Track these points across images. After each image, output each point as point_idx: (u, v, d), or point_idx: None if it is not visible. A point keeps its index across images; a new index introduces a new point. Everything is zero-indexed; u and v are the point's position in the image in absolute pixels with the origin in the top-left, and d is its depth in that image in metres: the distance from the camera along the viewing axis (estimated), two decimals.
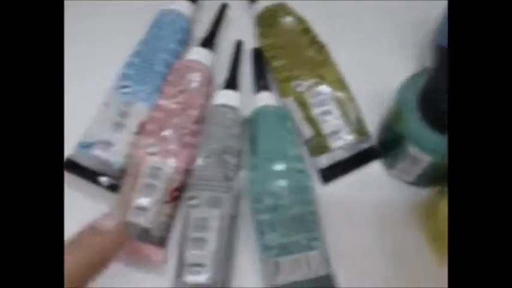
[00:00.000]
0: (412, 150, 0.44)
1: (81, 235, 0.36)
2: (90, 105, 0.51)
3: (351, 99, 0.51)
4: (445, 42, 0.46)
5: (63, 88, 0.36)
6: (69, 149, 0.49)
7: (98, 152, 0.48)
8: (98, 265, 0.36)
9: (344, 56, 0.53)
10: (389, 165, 0.50)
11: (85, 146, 0.49)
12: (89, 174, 0.48)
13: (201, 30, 0.55)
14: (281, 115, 0.49)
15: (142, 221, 0.46)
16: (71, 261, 0.33)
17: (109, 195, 0.48)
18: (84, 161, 0.48)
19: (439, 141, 0.42)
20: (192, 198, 0.46)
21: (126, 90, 0.50)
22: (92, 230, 0.37)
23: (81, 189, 0.48)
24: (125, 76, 0.51)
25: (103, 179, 0.48)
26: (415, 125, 0.43)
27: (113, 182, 0.48)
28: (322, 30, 0.54)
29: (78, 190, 0.49)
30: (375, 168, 0.51)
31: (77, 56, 0.54)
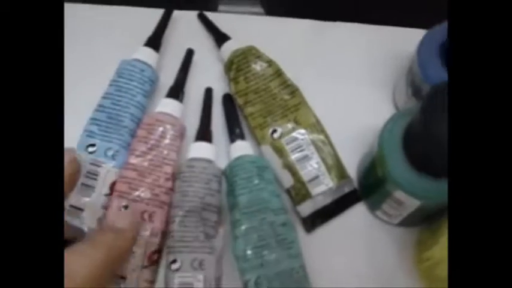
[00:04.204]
0: (398, 194, 0.43)
1: (95, 234, 0.36)
2: None
3: (329, 142, 0.50)
4: (432, 79, 0.45)
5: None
6: None
7: (68, 219, 0.45)
8: (113, 263, 0.35)
9: (316, 97, 0.52)
10: (373, 207, 0.48)
11: None
12: None
13: (163, 78, 0.53)
14: (260, 165, 0.46)
15: None
16: (86, 261, 0.32)
17: None
18: None
19: (427, 185, 0.41)
20: (173, 261, 0.43)
21: (92, 149, 0.47)
22: (106, 227, 0.36)
23: None
24: (89, 133, 0.48)
25: None
26: (399, 168, 0.42)
27: None
28: (293, 72, 0.52)
29: None
30: (359, 211, 0.50)
31: None
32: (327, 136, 0.50)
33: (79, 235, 0.44)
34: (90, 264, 0.32)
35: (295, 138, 0.49)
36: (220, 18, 0.57)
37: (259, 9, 0.85)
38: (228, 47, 0.53)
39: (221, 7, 0.89)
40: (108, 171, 0.47)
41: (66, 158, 0.38)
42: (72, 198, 0.45)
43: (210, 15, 0.58)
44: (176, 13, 0.56)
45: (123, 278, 0.43)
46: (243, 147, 0.48)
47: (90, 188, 0.46)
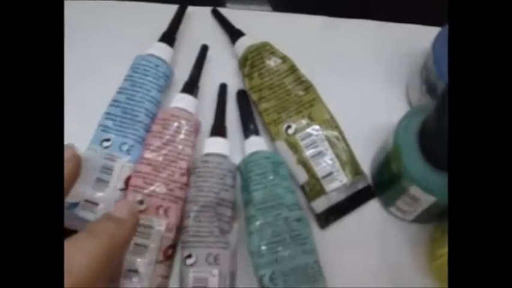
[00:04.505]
0: (413, 190, 0.43)
1: (95, 223, 0.35)
2: None
3: (343, 138, 0.50)
4: (447, 76, 0.45)
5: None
6: None
7: (83, 213, 0.45)
8: (114, 253, 0.34)
9: (330, 93, 0.52)
10: (387, 204, 0.48)
11: (68, 206, 0.45)
12: None
13: (178, 73, 0.53)
14: (274, 161, 0.46)
15: (136, 284, 0.43)
16: (88, 250, 0.32)
17: None
18: (68, 223, 0.45)
19: (443, 181, 0.41)
20: (188, 256, 0.43)
21: (107, 143, 0.47)
22: (106, 217, 0.36)
23: None
24: (104, 128, 0.48)
25: None
26: (415, 164, 0.42)
27: None
28: (306, 68, 0.52)
29: None
30: (373, 207, 0.50)
31: None
32: (341, 132, 0.50)
33: None
34: (91, 254, 0.32)
35: (310, 134, 0.49)
36: (233, 14, 0.57)
37: (266, 7, 0.84)
38: (242, 43, 0.53)
39: (228, 5, 0.89)
40: (123, 166, 0.47)
41: (67, 154, 0.38)
42: (87, 193, 0.46)
43: (223, 11, 0.58)
44: (190, 9, 0.56)
45: (137, 272, 0.43)
46: (257, 143, 0.48)
47: (105, 182, 0.46)
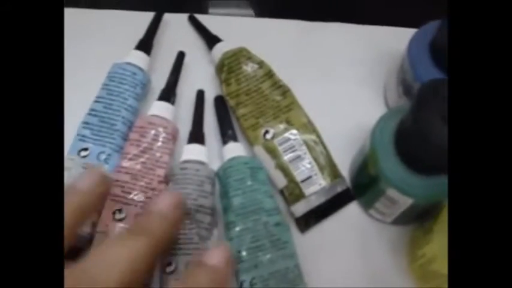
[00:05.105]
0: (391, 192, 0.43)
1: (139, 220, 0.36)
2: None
3: (321, 142, 0.50)
4: (422, 78, 0.45)
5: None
6: None
7: None
8: (155, 251, 0.34)
9: (307, 97, 0.52)
10: (367, 206, 0.49)
11: None
12: None
13: (155, 81, 0.53)
14: (253, 166, 0.47)
15: None
16: (130, 248, 0.32)
17: None
18: None
19: (419, 183, 0.41)
20: (168, 264, 0.43)
21: (85, 153, 0.47)
22: (149, 213, 0.35)
23: None
24: (82, 137, 0.48)
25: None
26: (391, 167, 0.42)
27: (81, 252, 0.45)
28: (284, 73, 0.53)
29: None
30: (353, 210, 0.50)
31: None
32: (318, 136, 0.50)
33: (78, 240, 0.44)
34: (133, 252, 0.32)
35: (288, 139, 0.49)
36: (210, 20, 0.57)
37: (249, 11, 0.85)
38: (219, 49, 0.53)
39: (211, 10, 0.90)
40: None
41: (96, 178, 0.38)
42: None
43: (201, 17, 0.58)
44: (167, 16, 0.57)
45: None
46: (235, 149, 0.48)
47: None
